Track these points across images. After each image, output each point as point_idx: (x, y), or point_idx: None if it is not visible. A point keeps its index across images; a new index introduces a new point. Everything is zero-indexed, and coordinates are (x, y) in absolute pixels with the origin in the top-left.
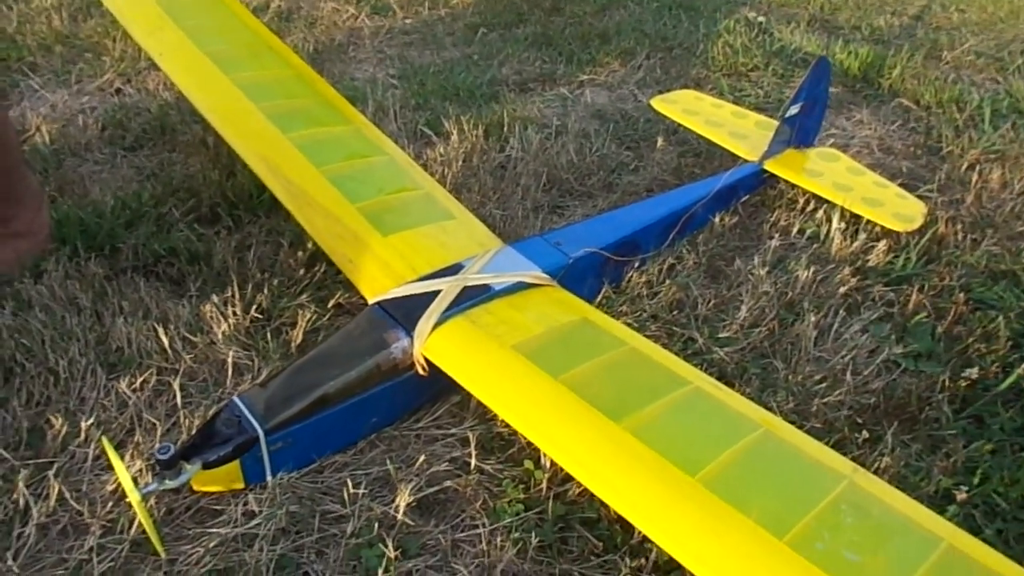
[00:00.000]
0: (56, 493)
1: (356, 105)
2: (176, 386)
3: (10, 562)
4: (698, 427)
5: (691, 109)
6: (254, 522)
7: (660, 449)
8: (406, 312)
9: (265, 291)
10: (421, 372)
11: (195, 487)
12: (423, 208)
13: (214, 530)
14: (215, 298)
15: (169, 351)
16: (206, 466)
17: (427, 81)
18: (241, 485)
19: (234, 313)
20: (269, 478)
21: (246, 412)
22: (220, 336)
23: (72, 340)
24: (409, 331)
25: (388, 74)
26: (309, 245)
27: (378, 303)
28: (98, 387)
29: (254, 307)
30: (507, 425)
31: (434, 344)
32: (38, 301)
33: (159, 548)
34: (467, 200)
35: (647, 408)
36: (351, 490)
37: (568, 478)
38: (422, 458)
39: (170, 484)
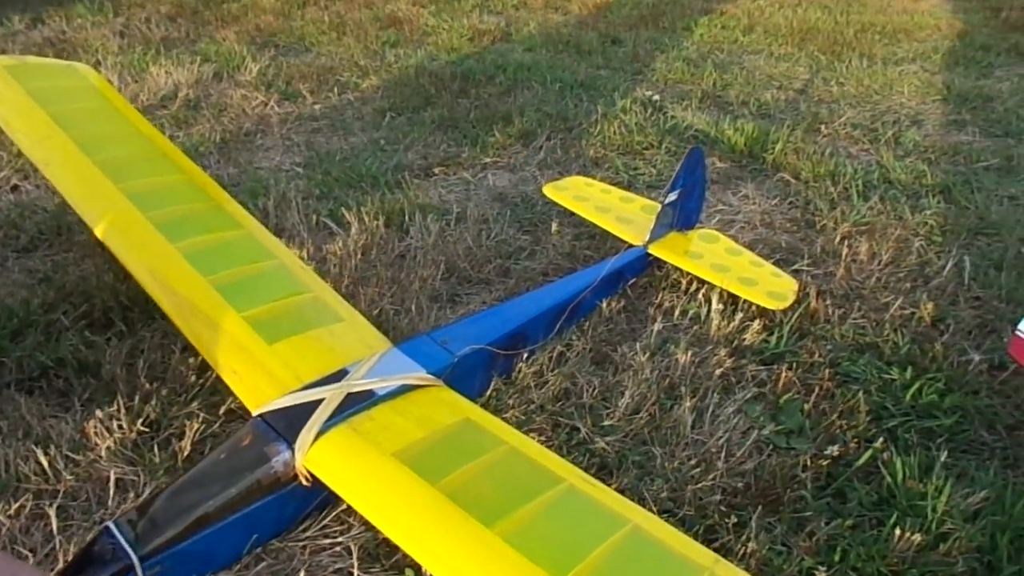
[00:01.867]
0: None
1: (259, 196)
2: (52, 512)
3: None
4: (569, 527)
5: (581, 195)
6: None
7: (529, 553)
8: (288, 423)
9: (154, 401)
10: (304, 483)
11: None
12: (311, 312)
13: None
14: (99, 413)
15: (49, 472)
16: None
17: (332, 169)
18: None
19: (119, 427)
20: None
21: (120, 539)
22: (104, 452)
23: None
24: (291, 443)
25: (294, 162)
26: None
27: (260, 415)
28: None
29: (141, 419)
30: None
31: (315, 455)
32: None
33: None
34: (364, 295)
35: (521, 510)
36: None
37: None
38: (303, 573)
39: None
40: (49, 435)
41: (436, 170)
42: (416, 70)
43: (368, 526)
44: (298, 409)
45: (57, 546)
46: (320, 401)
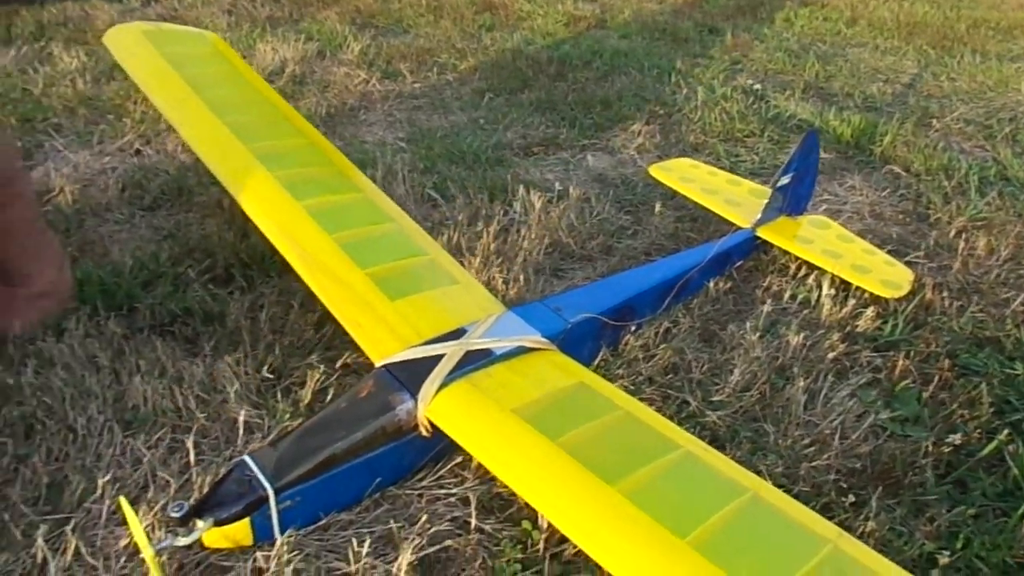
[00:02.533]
0: (73, 548)
1: (366, 168)
2: (190, 444)
3: None
4: (689, 491)
5: (687, 177)
6: None
7: (652, 512)
8: (411, 375)
9: (276, 351)
10: (424, 434)
11: (206, 543)
12: (428, 274)
13: None
14: (228, 359)
15: (183, 409)
16: (217, 523)
17: (434, 145)
18: (250, 542)
19: (246, 373)
20: (277, 536)
21: (257, 471)
22: (232, 395)
23: (91, 398)
24: (413, 394)
25: (397, 137)
26: (318, 307)
27: (384, 366)
28: (114, 444)
29: (265, 367)
30: (506, 486)
31: (437, 407)
32: (59, 359)
33: None
34: (470, 263)
35: (640, 471)
36: (355, 548)
37: (564, 539)
38: (424, 517)
39: (183, 541)
40: (182, 376)
41: (535, 150)
42: (513, 53)
43: (482, 480)
44: (420, 363)
45: (193, 476)
46: (441, 356)
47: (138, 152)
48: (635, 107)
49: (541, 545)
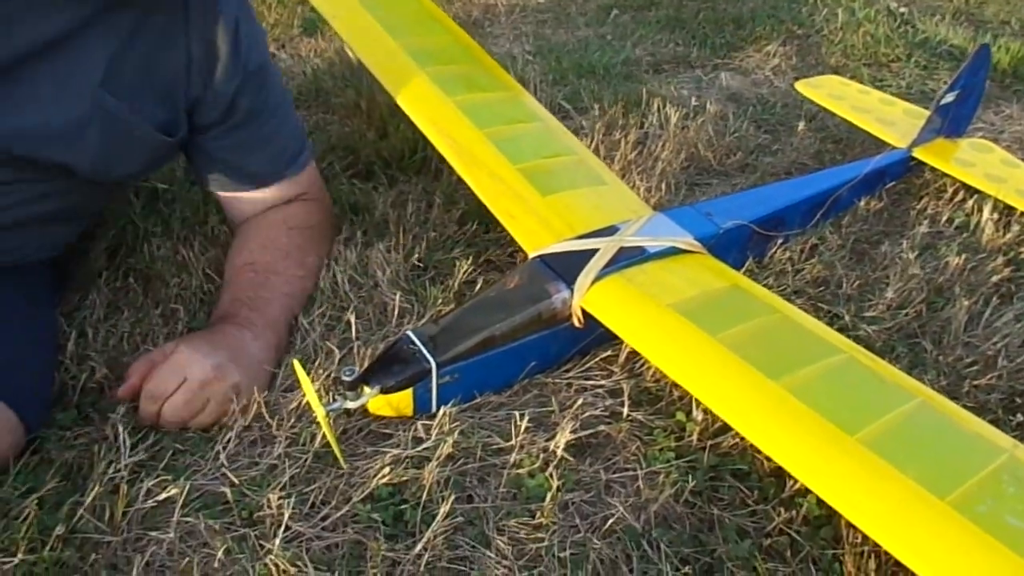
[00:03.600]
0: (255, 409)
1: None
2: (351, 318)
3: (220, 459)
4: (853, 393)
5: (836, 94)
6: (423, 446)
7: (817, 408)
8: (566, 267)
9: (423, 243)
10: (577, 324)
11: (371, 409)
12: (577, 172)
13: (387, 450)
14: (379, 246)
15: (340, 289)
16: (383, 391)
17: (563, 58)
18: (410, 413)
19: (395, 260)
20: (435, 409)
21: (420, 346)
22: (384, 281)
23: None
24: (569, 284)
25: (525, 50)
26: (462, 204)
27: (539, 257)
28: None
29: (414, 256)
30: (656, 380)
31: (592, 298)
32: (226, 240)
33: (341, 460)
34: (611, 170)
35: (802, 371)
36: (517, 423)
37: (720, 431)
38: (580, 400)
39: (351, 404)
40: (336, 259)
41: (665, 67)
42: None
43: (631, 374)
44: (575, 255)
45: (355, 349)
46: (595, 251)
47: (272, 56)
48: (770, 27)
49: (695, 437)
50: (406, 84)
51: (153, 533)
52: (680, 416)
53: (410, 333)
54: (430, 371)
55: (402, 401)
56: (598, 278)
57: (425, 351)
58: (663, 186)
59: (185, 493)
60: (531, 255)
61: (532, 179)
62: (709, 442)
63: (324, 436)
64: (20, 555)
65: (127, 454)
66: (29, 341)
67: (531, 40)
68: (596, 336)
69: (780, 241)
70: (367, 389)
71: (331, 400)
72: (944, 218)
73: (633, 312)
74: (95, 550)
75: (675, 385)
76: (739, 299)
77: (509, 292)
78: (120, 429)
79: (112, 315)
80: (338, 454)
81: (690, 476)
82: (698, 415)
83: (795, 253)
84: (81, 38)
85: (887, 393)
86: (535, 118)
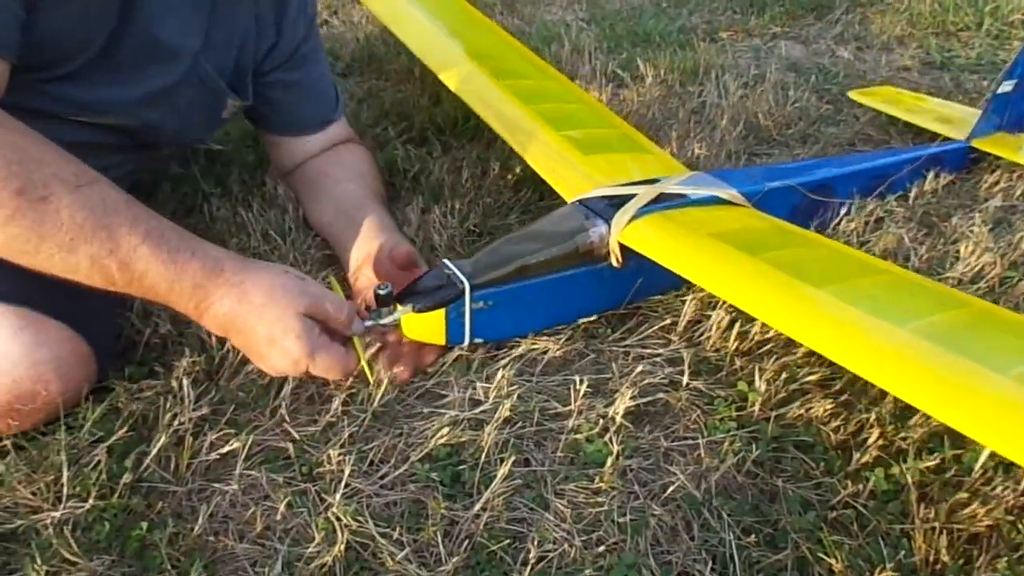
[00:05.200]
0: None
1: (551, 45)
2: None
3: (280, 414)
4: (904, 297)
5: (891, 100)
6: (480, 408)
7: (866, 309)
8: (604, 207)
9: (479, 209)
10: (615, 263)
11: (403, 330)
12: (621, 141)
13: (443, 411)
14: (436, 210)
15: None
16: (416, 310)
17: (616, 25)
18: (442, 341)
19: (451, 224)
20: (467, 340)
21: (455, 270)
22: (441, 245)
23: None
24: (607, 221)
25: (578, 17)
26: (517, 170)
27: (578, 200)
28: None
29: (469, 221)
30: (716, 350)
31: (631, 233)
32: (283, 201)
33: (369, 376)
34: (665, 139)
35: (850, 281)
36: (576, 387)
37: (783, 402)
38: (640, 368)
39: (383, 321)
40: (397, 221)
41: (723, 35)
42: None
43: (689, 343)
44: (614, 198)
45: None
46: (635, 196)
47: (325, 22)
48: None
49: (756, 408)
50: (452, 68)
51: (216, 485)
52: (742, 386)
53: (446, 260)
54: (463, 292)
55: (434, 321)
56: (637, 216)
57: (460, 274)
58: (721, 155)
59: (247, 447)
60: (570, 201)
61: (575, 143)
62: (772, 413)
63: (378, 392)
64: (91, 501)
65: (191, 407)
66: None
67: (584, 7)
68: (638, 286)
69: (829, 214)
70: (400, 307)
71: (365, 318)
72: (1018, 192)
73: (672, 241)
74: (161, 499)
75: (737, 355)
76: (782, 233)
77: (545, 226)
78: (185, 383)
79: None
80: (367, 371)
81: (753, 446)
82: (760, 385)
83: (860, 224)
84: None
85: (939, 299)
86: (579, 100)
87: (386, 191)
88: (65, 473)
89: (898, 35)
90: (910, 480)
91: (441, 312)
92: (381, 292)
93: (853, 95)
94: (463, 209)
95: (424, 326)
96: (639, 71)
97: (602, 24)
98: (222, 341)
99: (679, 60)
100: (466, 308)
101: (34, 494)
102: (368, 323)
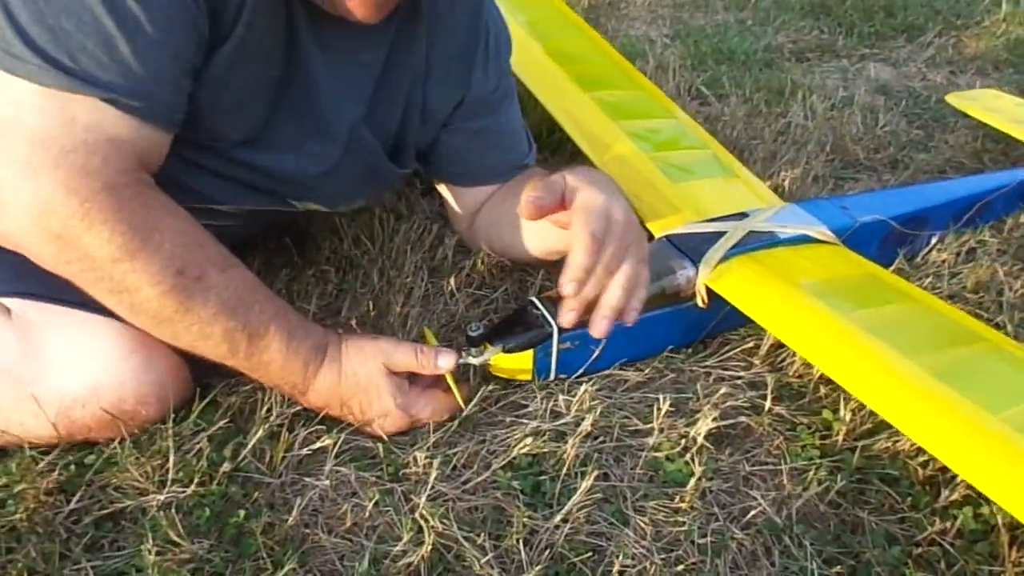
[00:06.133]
0: None
1: (635, 61)
2: (498, 296)
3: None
4: (999, 375)
5: (991, 107)
6: (561, 421)
7: (959, 388)
8: (692, 246)
9: None
10: (701, 304)
11: (492, 368)
12: (709, 164)
13: (525, 421)
14: None
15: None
16: (505, 350)
17: (701, 43)
18: (529, 376)
19: None
20: (552, 376)
21: (544, 311)
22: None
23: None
24: (695, 263)
25: (662, 33)
26: None
27: (666, 236)
28: (423, 284)
29: None
30: (799, 376)
31: (718, 277)
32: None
33: (460, 399)
34: (750, 159)
35: (942, 353)
36: (659, 406)
37: (868, 433)
38: (722, 389)
39: (473, 360)
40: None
41: (809, 55)
42: None
43: (772, 367)
44: (702, 236)
45: (493, 321)
46: (723, 233)
47: None
48: (924, 17)
49: (841, 437)
50: (539, 76)
51: (308, 479)
52: (827, 414)
53: (535, 299)
54: (551, 335)
55: (522, 362)
56: (725, 258)
57: (548, 315)
58: (808, 180)
59: (337, 445)
60: (657, 236)
61: (662, 168)
62: (858, 444)
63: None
64: (192, 487)
65: (285, 403)
66: None
67: (668, 23)
68: (720, 322)
69: (922, 244)
70: (490, 347)
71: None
72: None
73: (760, 291)
74: (256, 489)
75: (821, 382)
76: (876, 286)
77: None
78: None
79: (268, 272)
80: (457, 395)
81: (836, 476)
82: (846, 415)
83: (951, 256)
84: (352, 72)
85: None
86: (668, 115)
87: None
88: (171, 458)
89: (993, 60)
90: (1000, 521)
91: (529, 353)
92: (472, 333)
93: (950, 98)
94: None
95: (512, 363)
96: (724, 89)
97: (686, 41)
98: None
99: (764, 79)
100: (553, 349)
101: (143, 476)
102: (459, 361)
